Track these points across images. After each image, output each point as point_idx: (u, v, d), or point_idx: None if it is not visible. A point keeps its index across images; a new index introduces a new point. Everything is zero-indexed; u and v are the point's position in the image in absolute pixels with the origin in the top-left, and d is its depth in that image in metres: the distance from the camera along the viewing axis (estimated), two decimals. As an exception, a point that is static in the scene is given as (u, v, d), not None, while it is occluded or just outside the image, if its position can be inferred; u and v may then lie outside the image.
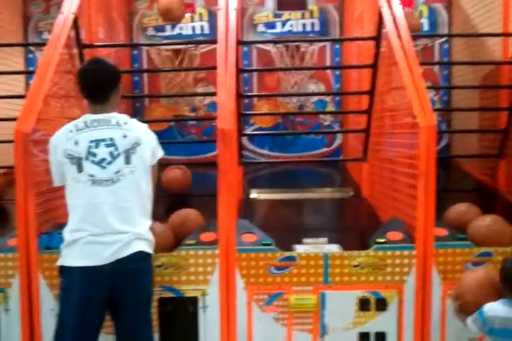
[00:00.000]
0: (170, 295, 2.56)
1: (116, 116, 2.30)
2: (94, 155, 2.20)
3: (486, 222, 2.70)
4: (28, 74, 4.44)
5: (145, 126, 2.39)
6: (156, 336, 2.52)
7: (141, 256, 2.22)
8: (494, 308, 2.18)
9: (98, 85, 2.28)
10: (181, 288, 2.57)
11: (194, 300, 2.55)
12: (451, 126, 4.63)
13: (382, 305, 2.57)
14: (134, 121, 2.36)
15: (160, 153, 2.42)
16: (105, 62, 2.41)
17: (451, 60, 4.66)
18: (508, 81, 3.69)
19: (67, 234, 2.23)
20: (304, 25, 4.74)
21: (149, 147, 2.32)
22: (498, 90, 3.81)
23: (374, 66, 3.34)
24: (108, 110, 2.30)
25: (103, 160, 2.20)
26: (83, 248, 2.17)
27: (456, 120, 4.57)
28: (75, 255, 2.18)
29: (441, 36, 4.71)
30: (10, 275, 2.55)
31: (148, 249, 2.26)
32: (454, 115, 4.61)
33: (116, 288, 2.18)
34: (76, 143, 2.22)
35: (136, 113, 4.51)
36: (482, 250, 2.60)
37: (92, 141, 2.22)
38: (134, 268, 2.20)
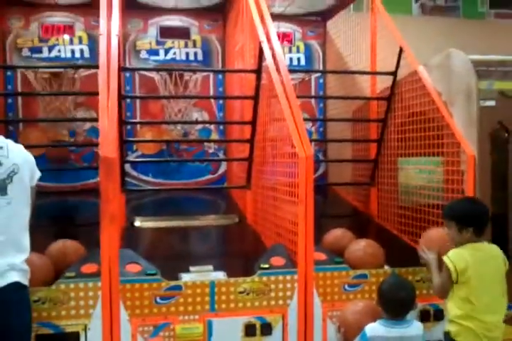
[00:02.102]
0: (48, 331, 2.42)
1: None
2: None
3: (360, 246, 2.90)
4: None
5: (20, 147, 2.28)
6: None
7: (15, 287, 2.09)
8: (375, 329, 2.32)
9: None
10: (61, 324, 2.44)
11: (75, 336, 2.43)
12: (327, 156, 4.92)
13: (267, 329, 2.63)
14: (9, 143, 2.22)
15: (37, 174, 2.32)
16: None
17: (326, 93, 4.98)
18: (376, 115, 4.02)
19: None
20: (187, 54, 4.81)
21: (27, 170, 2.22)
22: (368, 123, 4.13)
23: (255, 97, 3.45)
24: None
25: None
26: None
27: (331, 150, 4.87)
28: None
29: (316, 72, 5.03)
30: None
31: (23, 279, 2.14)
32: (330, 145, 4.90)
33: None
34: None
35: (10, 137, 4.23)
36: (358, 272, 2.78)
37: None
38: (8, 300, 2.06)
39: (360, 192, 4.24)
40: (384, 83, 3.94)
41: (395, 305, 2.34)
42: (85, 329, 2.45)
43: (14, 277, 2.09)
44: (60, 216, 3.66)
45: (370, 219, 3.96)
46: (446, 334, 2.36)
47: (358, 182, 4.26)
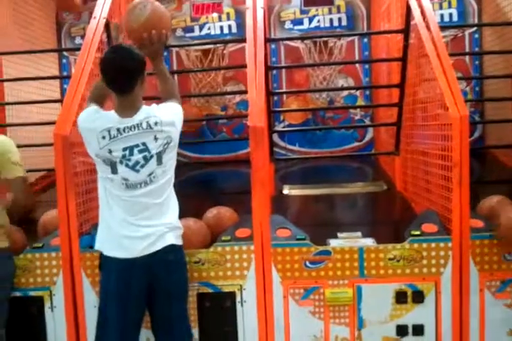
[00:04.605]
0: (208, 290, 2.62)
1: (146, 116, 2.25)
2: (129, 159, 2.24)
3: None
4: (63, 79, 4.58)
5: (169, 109, 2.35)
6: (196, 331, 2.58)
7: (171, 249, 2.28)
8: None
9: (122, 74, 2.19)
10: (218, 284, 2.62)
11: (232, 295, 2.60)
12: (484, 117, 4.56)
13: (419, 297, 2.57)
14: (161, 115, 2.29)
15: (181, 117, 2.39)
16: (128, 50, 2.25)
17: (482, 49, 4.59)
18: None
19: (103, 224, 2.31)
20: (331, 21, 4.74)
21: (179, 130, 2.34)
22: (532, 79, 3.74)
23: (403, 59, 3.32)
24: (135, 104, 2.25)
25: (137, 163, 2.24)
26: (120, 240, 2.24)
27: (489, 110, 4.50)
28: (111, 246, 2.27)
29: (471, 26, 4.63)
30: (54, 273, 2.65)
31: (178, 240, 2.33)
32: (487, 106, 4.53)
33: (152, 280, 2.25)
34: (110, 152, 2.23)
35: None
36: (519, 241, 2.57)
37: (125, 149, 2.23)
38: (166, 260, 2.27)
39: (523, 156, 3.88)
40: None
41: None
42: (241, 289, 2.60)
43: (171, 239, 2.28)
44: (215, 185, 3.89)
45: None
46: None
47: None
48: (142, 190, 2.25)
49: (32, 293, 2.65)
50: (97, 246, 2.34)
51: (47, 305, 2.65)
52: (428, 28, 3.02)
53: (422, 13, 3.10)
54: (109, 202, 2.28)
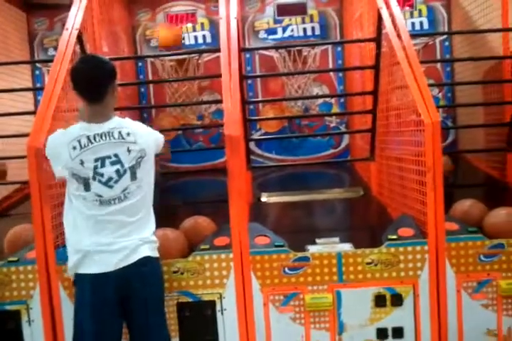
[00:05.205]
0: (187, 299, 2.60)
1: (118, 126, 2.23)
2: (101, 175, 2.19)
3: (502, 214, 2.75)
4: (36, 90, 4.54)
5: (144, 127, 2.36)
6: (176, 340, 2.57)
7: (146, 260, 2.24)
8: None
9: (92, 83, 2.18)
10: (198, 293, 2.61)
11: (212, 304, 2.59)
12: (456, 122, 4.65)
13: (397, 300, 2.59)
14: (135, 127, 2.30)
15: (161, 140, 2.44)
16: (98, 59, 2.28)
17: (452, 56, 4.69)
18: (510, 75, 3.71)
19: (74, 244, 2.25)
20: (304, 30, 4.80)
21: (153, 149, 2.33)
22: (501, 84, 3.83)
23: (376, 67, 3.37)
24: (107, 113, 2.23)
25: (110, 179, 2.20)
26: (92, 256, 2.20)
27: (461, 116, 4.59)
28: (85, 264, 2.22)
29: (441, 34, 4.74)
30: (30, 287, 2.61)
31: (153, 252, 2.29)
32: (459, 111, 4.63)
33: (127, 293, 2.22)
34: (81, 163, 2.19)
35: (144, 123, 4.57)
36: (494, 242, 2.62)
37: (97, 160, 2.19)
38: (140, 273, 2.23)
39: (494, 159, 3.96)
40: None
41: None
42: (220, 298, 2.59)
43: (145, 251, 2.24)
44: (192, 194, 3.88)
45: (508, 187, 3.69)
46: None
47: (493, 149, 3.97)
48: (116, 207, 2.20)
49: (8, 307, 2.61)
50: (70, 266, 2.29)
51: (24, 318, 2.61)
52: (399, 36, 3.07)
53: (393, 21, 3.16)
54: (78, 225, 2.23)
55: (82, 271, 2.23)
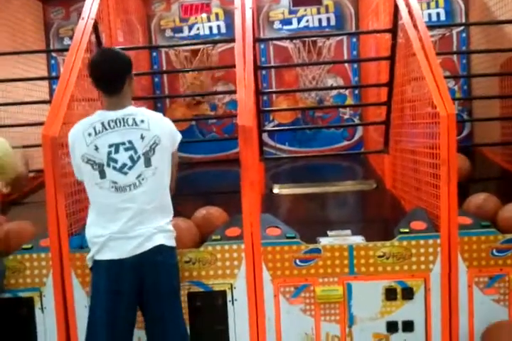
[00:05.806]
0: (199, 289, 2.62)
1: (132, 113, 2.28)
2: (115, 161, 2.22)
3: None
4: (52, 79, 4.57)
5: (160, 116, 2.38)
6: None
7: (160, 249, 2.26)
8: None
9: (109, 76, 2.26)
10: (209, 283, 2.62)
11: (223, 294, 2.61)
12: (472, 115, 4.60)
13: (408, 294, 2.59)
14: (149, 115, 2.33)
15: (178, 137, 2.43)
16: (115, 52, 2.39)
17: (469, 48, 4.63)
18: (528, 67, 3.66)
19: (91, 230, 2.29)
20: (319, 20, 4.76)
21: (168, 138, 2.33)
22: (518, 76, 3.77)
23: (391, 58, 3.33)
24: (123, 102, 2.29)
25: (124, 165, 2.22)
26: (107, 243, 2.23)
27: (477, 109, 4.54)
28: (101, 250, 2.25)
29: (457, 25, 4.67)
30: (44, 274, 2.64)
31: (168, 241, 2.30)
32: (475, 104, 4.57)
33: (142, 281, 2.24)
34: (96, 148, 2.23)
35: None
36: (507, 237, 2.60)
37: (111, 145, 2.23)
38: (154, 261, 2.24)
39: (510, 153, 3.91)
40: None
41: None
42: (231, 288, 2.61)
43: (160, 239, 2.26)
44: (205, 185, 3.89)
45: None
46: None
47: (509, 142, 3.92)
48: (131, 193, 2.23)
49: (22, 294, 2.65)
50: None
51: (37, 306, 2.65)
52: (416, 27, 3.03)
53: (410, 12, 3.12)
54: (96, 216, 2.29)
55: (99, 257, 2.26)
